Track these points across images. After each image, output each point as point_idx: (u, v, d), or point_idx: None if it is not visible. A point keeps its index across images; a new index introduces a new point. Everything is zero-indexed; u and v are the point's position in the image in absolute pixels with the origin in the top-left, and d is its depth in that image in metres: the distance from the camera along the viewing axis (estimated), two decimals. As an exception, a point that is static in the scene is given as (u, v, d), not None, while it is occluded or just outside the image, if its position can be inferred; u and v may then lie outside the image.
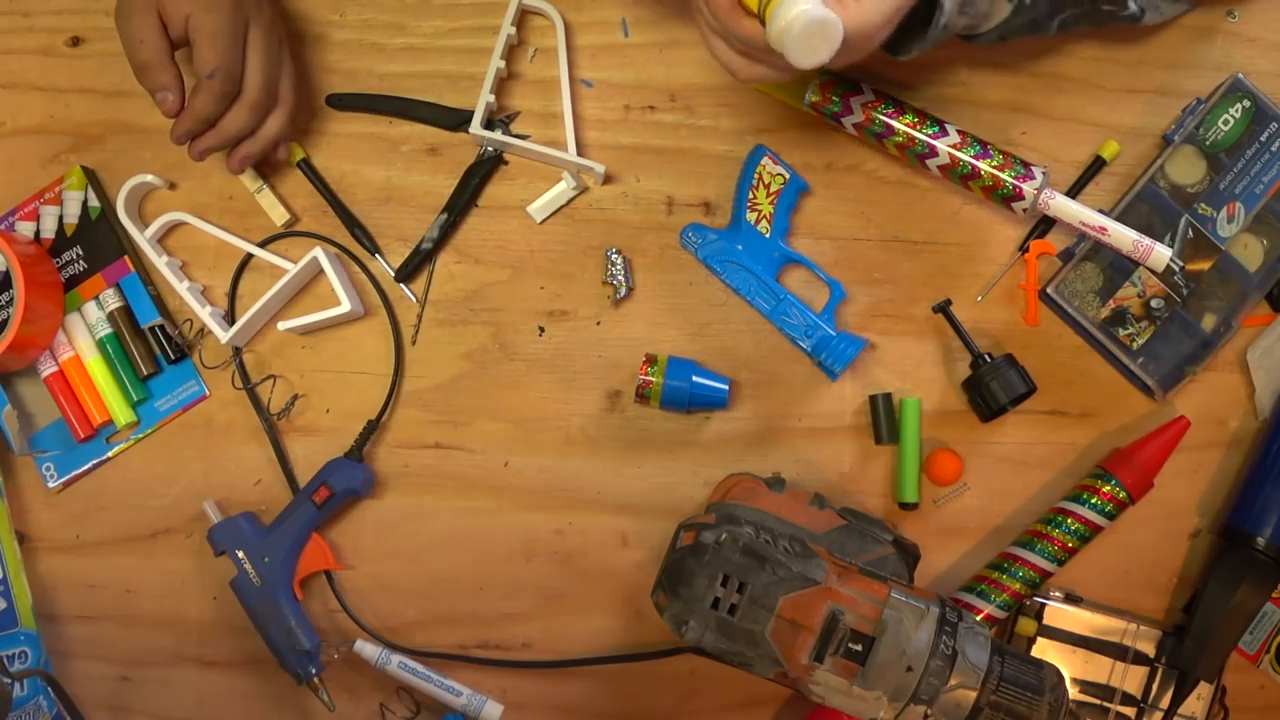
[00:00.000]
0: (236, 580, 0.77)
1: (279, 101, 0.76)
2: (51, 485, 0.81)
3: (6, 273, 0.78)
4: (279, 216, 0.81)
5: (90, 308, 0.81)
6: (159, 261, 0.80)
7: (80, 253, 0.82)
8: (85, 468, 0.81)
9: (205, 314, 0.79)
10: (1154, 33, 0.79)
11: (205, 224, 0.80)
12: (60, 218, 0.82)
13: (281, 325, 0.79)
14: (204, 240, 0.81)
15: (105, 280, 0.81)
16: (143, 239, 0.80)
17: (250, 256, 0.81)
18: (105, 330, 0.81)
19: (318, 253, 0.78)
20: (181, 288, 0.79)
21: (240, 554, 0.77)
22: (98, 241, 0.82)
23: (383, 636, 0.79)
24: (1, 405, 0.80)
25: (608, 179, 0.80)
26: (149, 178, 0.80)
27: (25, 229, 0.82)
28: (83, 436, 0.80)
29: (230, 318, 0.81)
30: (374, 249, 0.81)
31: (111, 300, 0.81)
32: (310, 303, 0.81)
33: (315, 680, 0.77)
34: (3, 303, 0.79)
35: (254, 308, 0.79)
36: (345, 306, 0.78)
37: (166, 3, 0.71)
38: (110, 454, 0.81)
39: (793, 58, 0.56)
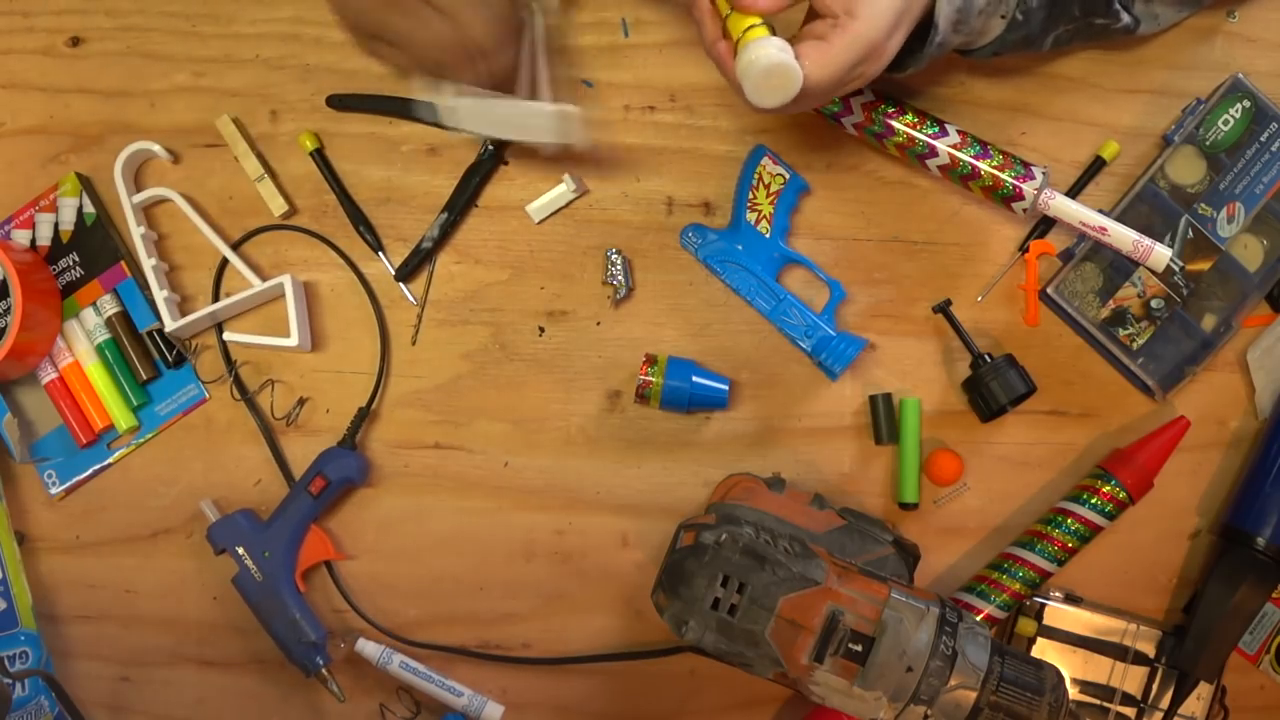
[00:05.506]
0: (238, 577, 0.77)
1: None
2: (54, 492, 0.81)
3: (4, 281, 0.78)
4: (278, 207, 0.80)
5: (88, 314, 0.81)
6: (136, 232, 0.79)
7: (77, 259, 0.82)
8: (87, 474, 0.81)
9: (161, 296, 0.79)
10: (1153, 36, 0.79)
11: (190, 209, 0.80)
12: (56, 225, 0.82)
13: (227, 336, 0.80)
14: (203, 241, 0.81)
15: (102, 286, 0.81)
16: (129, 204, 0.79)
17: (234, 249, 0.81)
18: (104, 336, 0.81)
19: (285, 280, 0.78)
20: (149, 264, 0.79)
21: (240, 550, 0.77)
22: (94, 248, 0.81)
23: (384, 629, 0.79)
24: (1, 414, 0.80)
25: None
26: (151, 145, 0.80)
27: (21, 237, 0.82)
28: (85, 442, 0.80)
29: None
30: (377, 245, 0.80)
31: (109, 306, 0.81)
32: (267, 316, 0.81)
33: (324, 671, 0.77)
34: (1, 310, 0.79)
35: (204, 310, 0.78)
36: (293, 340, 0.78)
37: None
38: (111, 459, 0.81)
39: (750, 95, 0.60)
